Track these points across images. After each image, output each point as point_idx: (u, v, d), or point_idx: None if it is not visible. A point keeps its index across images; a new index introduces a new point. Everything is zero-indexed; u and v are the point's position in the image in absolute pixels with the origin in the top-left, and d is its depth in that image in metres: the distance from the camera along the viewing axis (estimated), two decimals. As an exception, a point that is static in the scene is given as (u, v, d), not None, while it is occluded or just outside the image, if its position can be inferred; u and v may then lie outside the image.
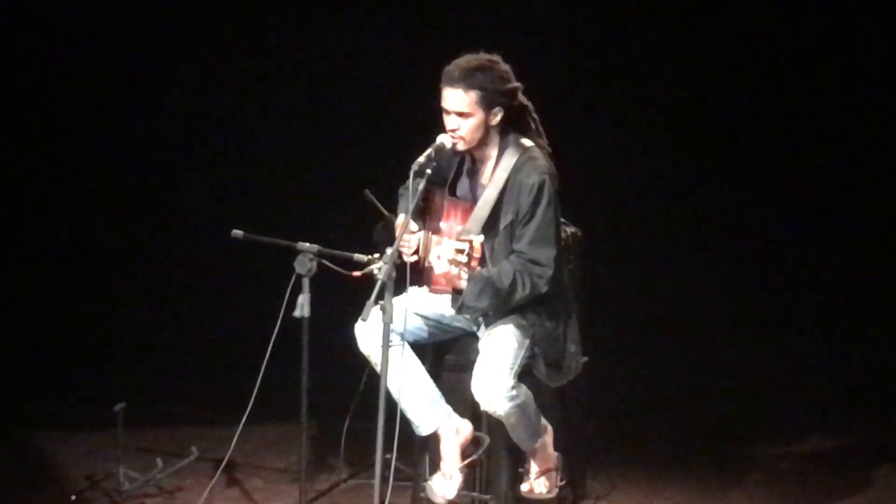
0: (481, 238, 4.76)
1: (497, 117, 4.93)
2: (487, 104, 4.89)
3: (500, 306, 4.91)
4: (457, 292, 4.93)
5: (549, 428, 5.13)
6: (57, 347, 7.44)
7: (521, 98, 4.99)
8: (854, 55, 7.36)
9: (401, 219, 5.05)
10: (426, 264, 5.01)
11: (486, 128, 4.94)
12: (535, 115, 5.04)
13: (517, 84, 4.96)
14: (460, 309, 4.93)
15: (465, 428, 5.06)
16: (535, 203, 4.87)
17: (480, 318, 5.02)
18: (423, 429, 5.04)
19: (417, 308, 5.07)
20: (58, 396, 6.94)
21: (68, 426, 6.51)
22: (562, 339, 5.01)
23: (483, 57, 4.93)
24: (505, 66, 4.95)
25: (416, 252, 5.00)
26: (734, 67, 7.44)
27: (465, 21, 7.17)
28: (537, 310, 4.95)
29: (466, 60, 4.91)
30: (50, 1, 7.53)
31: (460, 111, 4.89)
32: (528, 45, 7.12)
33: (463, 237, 4.73)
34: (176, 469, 5.84)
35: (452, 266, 4.69)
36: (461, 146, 4.96)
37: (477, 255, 4.67)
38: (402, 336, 4.98)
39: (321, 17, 7.52)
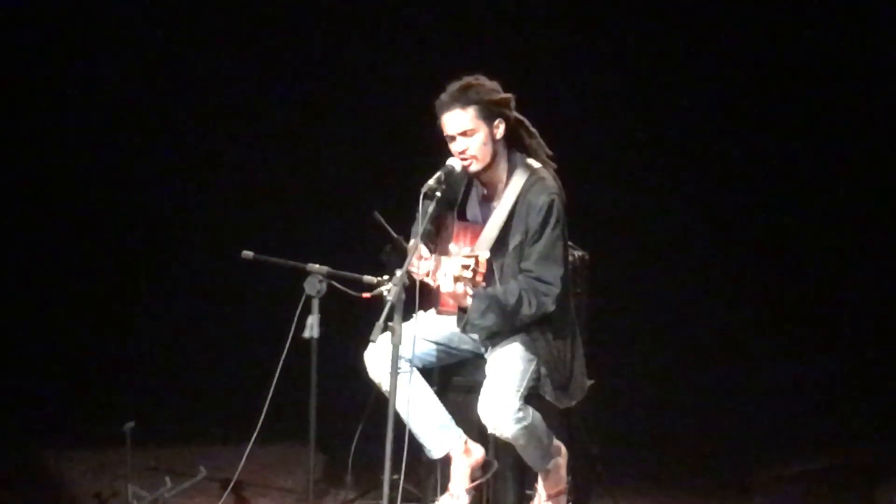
0: (487, 254, 4.78)
1: (500, 129, 4.97)
2: (487, 116, 4.94)
3: (506, 325, 4.91)
4: (462, 311, 4.94)
5: (564, 450, 5.14)
6: (66, 365, 7.45)
7: (515, 112, 5.03)
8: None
9: (412, 242, 5.08)
10: (435, 285, 5.03)
11: (493, 143, 4.97)
12: (532, 130, 5.07)
13: (508, 94, 5.00)
14: (465, 327, 4.94)
15: (477, 451, 5.07)
16: (544, 223, 4.90)
17: (487, 342, 5.03)
18: (434, 452, 5.05)
19: (426, 333, 5.09)
20: (67, 414, 6.96)
21: (77, 444, 6.53)
22: (569, 361, 5.03)
23: (467, 78, 4.99)
24: (491, 81, 5.00)
25: (428, 275, 5.01)
26: (747, 88, 7.46)
27: (474, 42, 7.20)
28: (544, 331, 4.96)
29: (453, 85, 4.97)
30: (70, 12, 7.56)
31: (464, 130, 4.94)
32: (539, 67, 7.19)
33: (468, 254, 4.75)
34: (184, 488, 5.85)
35: (458, 284, 4.73)
36: (475, 166, 4.98)
37: (482, 269, 4.68)
38: (411, 362, 5.01)
39: (331, 41, 7.56)
